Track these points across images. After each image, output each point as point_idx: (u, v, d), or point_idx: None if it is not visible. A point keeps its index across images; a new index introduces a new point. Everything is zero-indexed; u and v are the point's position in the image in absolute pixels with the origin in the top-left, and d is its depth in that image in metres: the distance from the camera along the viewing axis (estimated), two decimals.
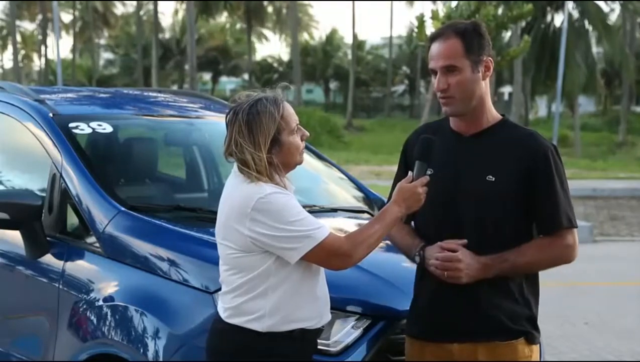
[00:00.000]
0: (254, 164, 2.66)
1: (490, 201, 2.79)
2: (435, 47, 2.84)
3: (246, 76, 58.69)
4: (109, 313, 3.40)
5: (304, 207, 2.79)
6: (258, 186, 2.66)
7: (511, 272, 2.79)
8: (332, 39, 62.95)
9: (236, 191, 2.70)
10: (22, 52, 64.09)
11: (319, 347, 2.92)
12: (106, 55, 66.47)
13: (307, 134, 2.82)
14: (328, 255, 2.67)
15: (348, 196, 4.62)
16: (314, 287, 2.76)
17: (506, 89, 51.44)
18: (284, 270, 2.68)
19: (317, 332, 2.82)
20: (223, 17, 57.39)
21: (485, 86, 2.85)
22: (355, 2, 50.53)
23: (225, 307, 2.76)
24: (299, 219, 2.65)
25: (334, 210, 4.19)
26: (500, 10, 16.86)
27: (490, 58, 2.85)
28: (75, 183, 3.75)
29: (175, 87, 52.59)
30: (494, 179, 2.79)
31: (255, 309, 2.69)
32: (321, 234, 2.65)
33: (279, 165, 2.72)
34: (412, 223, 3.03)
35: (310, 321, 2.76)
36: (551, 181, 2.79)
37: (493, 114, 2.90)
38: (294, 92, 42.28)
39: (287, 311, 2.70)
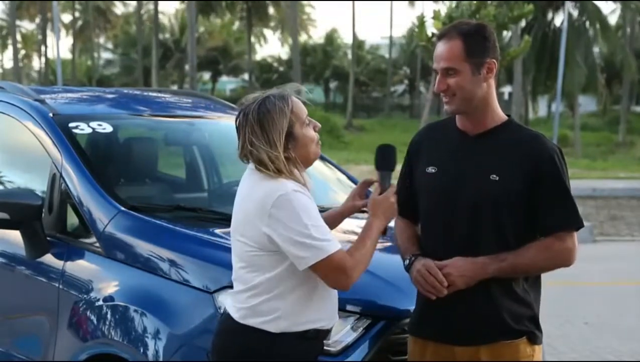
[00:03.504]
0: (270, 162, 2.64)
1: (493, 200, 2.79)
2: (438, 48, 2.85)
3: (246, 76, 58.66)
4: (109, 313, 3.40)
5: None
6: (279, 182, 2.64)
7: (511, 272, 2.79)
8: (332, 39, 62.93)
9: (257, 187, 2.67)
10: (22, 52, 64.07)
11: None
12: (106, 55, 66.44)
13: (319, 125, 2.80)
14: (332, 270, 2.62)
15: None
16: (327, 287, 2.74)
17: (506, 89, 51.41)
18: (302, 272, 2.65)
19: (328, 332, 2.82)
20: (224, 17, 57.31)
21: (488, 87, 2.84)
22: (355, 2, 50.58)
23: (239, 307, 2.72)
24: (315, 224, 2.61)
25: None
26: (502, 8, 16.82)
27: (494, 60, 2.83)
28: (75, 183, 3.75)
29: (175, 87, 52.57)
30: (497, 178, 2.79)
31: (271, 310, 2.66)
32: (331, 247, 2.61)
33: (297, 160, 2.70)
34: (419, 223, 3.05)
35: (324, 322, 2.75)
36: (557, 184, 2.79)
37: (498, 114, 2.90)
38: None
39: (303, 312, 2.68)
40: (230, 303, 2.79)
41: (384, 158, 2.88)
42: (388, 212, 2.79)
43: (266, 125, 2.66)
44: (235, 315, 2.73)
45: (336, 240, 2.65)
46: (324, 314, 2.75)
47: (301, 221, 2.59)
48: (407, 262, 2.93)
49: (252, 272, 2.69)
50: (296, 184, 2.66)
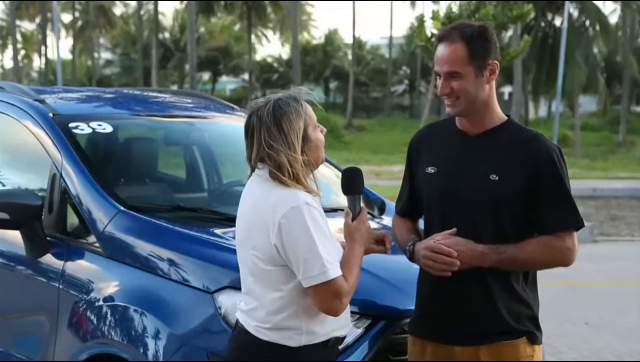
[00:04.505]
0: (289, 166, 2.57)
1: (493, 200, 2.79)
2: (440, 50, 2.84)
3: (246, 76, 58.65)
4: (109, 313, 3.40)
5: None
6: (292, 192, 2.57)
7: (509, 265, 2.79)
8: (332, 39, 62.93)
9: (269, 196, 2.59)
10: (22, 52, 64.06)
11: None
12: (106, 55, 66.45)
13: (325, 129, 2.76)
14: (330, 295, 2.57)
15: None
16: None
17: (506, 89, 51.40)
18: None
19: (344, 338, 2.82)
20: (224, 17, 57.33)
21: (490, 89, 2.85)
22: (356, 2, 50.56)
23: (256, 325, 2.65)
24: (324, 244, 2.56)
25: (334, 210, 4.19)
26: (501, 9, 16.83)
27: (495, 61, 2.84)
28: (75, 183, 3.75)
29: (175, 87, 52.55)
30: (497, 178, 2.79)
31: (292, 327, 2.62)
32: (335, 272, 2.56)
33: (312, 162, 2.65)
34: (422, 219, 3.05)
35: (342, 330, 2.74)
36: (557, 184, 2.80)
37: (498, 114, 2.90)
38: None
39: (323, 325, 2.65)
40: (244, 319, 2.70)
41: (350, 182, 2.84)
42: (366, 236, 2.75)
43: (284, 126, 2.59)
44: (253, 331, 2.65)
45: (338, 264, 2.61)
46: (342, 322, 2.73)
47: (311, 237, 2.53)
48: (408, 252, 2.92)
49: (264, 287, 2.63)
50: (309, 195, 2.61)
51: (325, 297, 2.57)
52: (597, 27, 36.53)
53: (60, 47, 28.30)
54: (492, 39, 2.84)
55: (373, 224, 4.22)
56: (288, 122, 2.60)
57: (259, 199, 2.64)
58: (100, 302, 3.45)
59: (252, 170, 2.71)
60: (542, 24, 37.43)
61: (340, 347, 3.05)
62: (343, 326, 2.74)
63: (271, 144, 2.59)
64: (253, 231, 2.63)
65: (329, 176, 4.79)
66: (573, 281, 8.59)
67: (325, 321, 2.65)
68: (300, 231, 2.54)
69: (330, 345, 2.70)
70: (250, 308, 2.68)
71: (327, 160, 4.86)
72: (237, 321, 2.76)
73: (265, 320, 2.63)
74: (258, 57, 62.82)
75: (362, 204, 2.82)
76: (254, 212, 2.64)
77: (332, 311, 2.61)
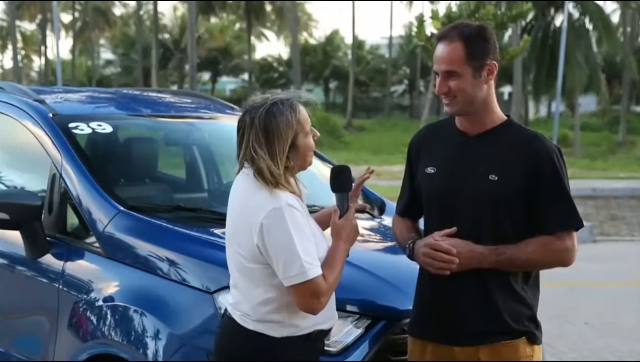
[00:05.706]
0: (269, 174, 2.61)
1: (492, 200, 2.79)
2: (439, 49, 2.84)
3: (246, 76, 58.65)
4: (108, 313, 3.40)
5: None
6: (274, 193, 2.62)
7: (508, 266, 2.79)
8: (332, 39, 62.90)
9: (252, 196, 2.65)
10: (22, 52, 64.04)
11: None
12: (106, 55, 66.44)
13: (318, 134, 2.80)
14: (309, 294, 2.61)
15: None
16: None
17: (506, 89, 51.38)
18: None
19: (329, 332, 2.84)
20: (224, 17, 57.30)
21: (488, 88, 2.85)
22: (356, 2, 50.54)
23: (240, 314, 2.72)
24: (304, 245, 2.59)
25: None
26: (502, 8, 16.83)
27: (494, 62, 2.83)
28: (75, 183, 3.75)
29: (175, 88, 52.54)
30: (497, 178, 2.79)
31: (276, 319, 2.67)
32: (314, 272, 2.60)
33: (295, 168, 2.70)
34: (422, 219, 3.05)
35: (326, 324, 2.77)
36: (556, 184, 2.80)
37: (498, 114, 2.90)
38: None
39: (306, 318, 2.69)
40: (231, 308, 2.78)
41: (338, 179, 2.84)
42: (352, 234, 2.77)
43: (271, 136, 2.63)
44: (239, 319, 2.73)
45: (318, 264, 2.64)
46: (326, 316, 2.75)
47: (291, 238, 2.58)
48: (408, 250, 2.92)
49: (249, 283, 2.69)
50: (291, 196, 2.65)
51: (304, 296, 2.62)
52: (599, 27, 36.52)
53: (60, 47, 28.30)
54: (491, 39, 2.84)
55: (373, 224, 4.24)
56: (277, 133, 2.63)
57: (244, 198, 2.70)
58: (100, 303, 3.45)
59: (241, 166, 2.75)
60: (542, 24, 37.42)
61: (339, 347, 3.08)
62: (327, 319, 2.77)
63: (256, 149, 2.64)
64: (238, 229, 2.69)
65: (329, 176, 4.78)
66: (573, 281, 8.60)
67: (308, 315, 2.69)
68: (280, 232, 2.58)
69: (312, 338, 2.73)
70: (236, 301, 2.76)
71: (326, 161, 4.88)
72: (225, 309, 2.85)
73: (250, 312, 2.70)
74: (258, 55, 62.80)
75: (350, 205, 2.81)
76: (239, 211, 2.70)
77: (311, 310, 2.66)
